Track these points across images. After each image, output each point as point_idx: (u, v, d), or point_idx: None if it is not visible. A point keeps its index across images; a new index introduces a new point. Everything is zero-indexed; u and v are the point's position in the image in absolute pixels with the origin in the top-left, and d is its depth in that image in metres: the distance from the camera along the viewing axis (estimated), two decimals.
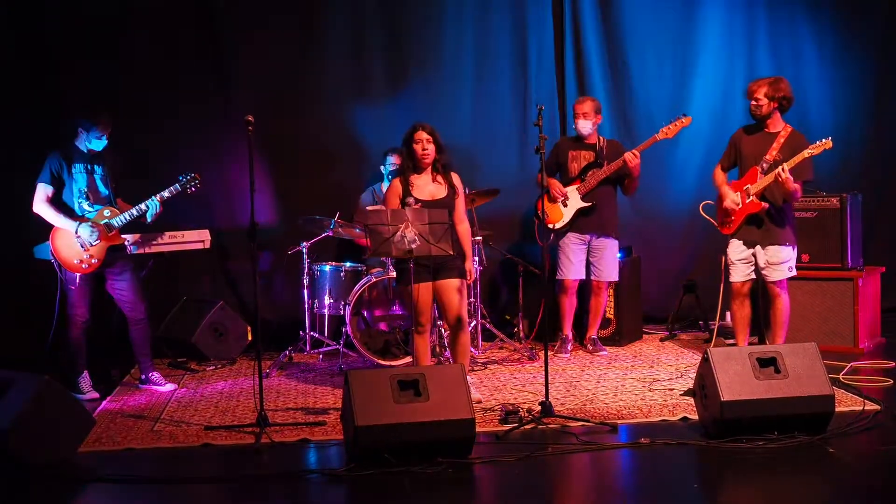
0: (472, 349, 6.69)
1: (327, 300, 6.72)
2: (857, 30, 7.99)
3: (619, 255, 6.99)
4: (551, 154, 6.89)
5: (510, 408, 5.11)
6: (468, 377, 4.84)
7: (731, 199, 6.02)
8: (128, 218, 5.82)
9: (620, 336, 7.17)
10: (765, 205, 5.92)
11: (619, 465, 4.53)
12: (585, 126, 6.74)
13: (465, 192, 5.76)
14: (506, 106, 7.75)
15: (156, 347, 6.27)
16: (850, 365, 6.06)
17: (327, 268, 6.76)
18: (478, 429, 4.52)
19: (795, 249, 6.08)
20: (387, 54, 7.59)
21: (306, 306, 6.79)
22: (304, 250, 6.74)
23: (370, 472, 4.25)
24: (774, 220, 5.96)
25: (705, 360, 4.69)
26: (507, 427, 4.90)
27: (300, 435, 4.92)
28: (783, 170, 5.71)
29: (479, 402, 5.43)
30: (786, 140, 5.89)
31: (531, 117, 7.39)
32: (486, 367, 6.52)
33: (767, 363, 4.66)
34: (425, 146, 5.41)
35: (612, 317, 7.18)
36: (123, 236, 5.92)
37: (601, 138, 6.83)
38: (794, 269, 6.08)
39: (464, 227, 5.53)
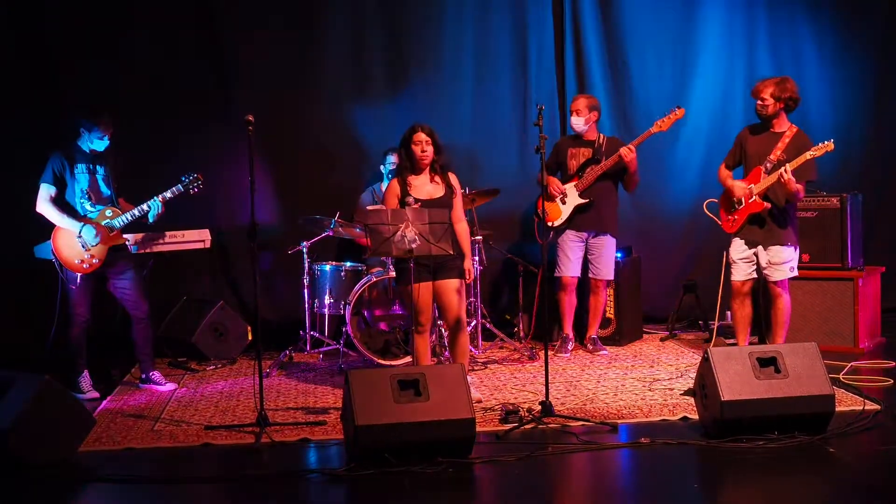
0: (473, 349, 6.69)
1: (327, 300, 6.72)
2: (857, 30, 7.99)
3: (618, 254, 6.99)
4: (552, 153, 6.90)
5: (510, 407, 5.11)
6: (468, 377, 4.84)
7: (741, 187, 5.99)
8: (129, 218, 5.83)
9: (621, 336, 7.17)
10: (767, 205, 5.91)
11: (619, 465, 4.53)
12: (578, 123, 6.74)
13: (462, 192, 5.76)
14: (506, 106, 7.75)
15: (156, 347, 6.27)
16: (850, 365, 6.06)
17: (327, 267, 6.76)
18: (478, 428, 4.52)
19: (797, 250, 6.08)
20: (387, 54, 7.59)
21: (306, 306, 6.79)
22: (305, 250, 6.74)
23: (370, 472, 4.25)
24: (777, 221, 5.96)
25: (705, 360, 4.69)
26: (507, 427, 4.90)
27: (300, 434, 4.92)
28: (785, 170, 5.71)
29: (479, 401, 5.43)
30: (791, 140, 5.87)
31: (531, 117, 7.39)
32: (486, 367, 6.52)
33: (767, 363, 4.66)
34: (424, 148, 5.41)
35: (612, 316, 7.18)
36: (125, 236, 5.93)
37: (601, 135, 6.82)
38: (796, 270, 6.08)
39: (462, 227, 5.53)
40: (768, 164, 5.89)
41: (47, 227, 5.79)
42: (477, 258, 6.66)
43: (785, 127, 5.96)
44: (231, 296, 7.45)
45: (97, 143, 5.78)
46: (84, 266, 5.77)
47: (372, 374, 4.60)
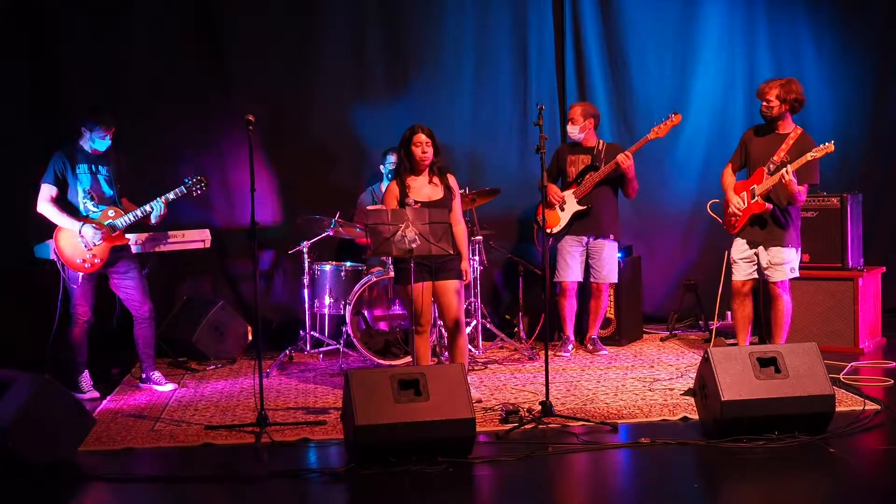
0: (473, 349, 6.69)
1: (328, 300, 6.72)
2: (856, 29, 7.99)
3: (619, 255, 6.99)
4: (552, 160, 6.91)
5: (510, 407, 5.11)
6: (468, 377, 4.84)
7: (735, 204, 6.01)
8: (132, 219, 5.82)
9: (621, 336, 7.17)
10: (768, 206, 5.90)
11: (620, 465, 4.53)
12: (573, 131, 6.76)
13: (462, 192, 5.76)
14: (506, 106, 7.75)
15: (156, 347, 6.26)
16: (850, 365, 6.06)
17: (328, 267, 6.76)
18: (478, 428, 4.52)
19: (799, 251, 6.07)
20: (387, 54, 7.59)
21: (306, 306, 6.79)
22: (305, 250, 6.74)
23: (370, 472, 4.25)
24: (778, 222, 5.94)
25: (706, 360, 4.69)
26: (507, 427, 4.90)
27: (300, 434, 4.92)
28: (787, 171, 5.70)
29: (480, 401, 5.43)
30: (795, 142, 5.86)
31: (531, 117, 7.39)
32: (486, 367, 6.52)
33: (768, 363, 4.66)
34: (425, 149, 5.41)
35: (612, 316, 7.18)
36: (127, 236, 5.93)
37: (600, 141, 6.83)
38: (797, 271, 6.07)
39: (460, 228, 5.52)
40: (771, 166, 5.88)
41: (48, 227, 5.79)
42: (477, 258, 6.66)
43: (789, 128, 5.94)
44: (231, 296, 7.45)
45: (99, 142, 5.78)
46: (86, 266, 5.77)
47: (372, 374, 4.61)
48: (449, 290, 5.39)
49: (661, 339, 7.35)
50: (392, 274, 5.76)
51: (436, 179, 5.48)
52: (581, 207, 6.74)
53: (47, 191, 5.75)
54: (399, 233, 5.02)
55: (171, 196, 5.83)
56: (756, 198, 5.92)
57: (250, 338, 7.07)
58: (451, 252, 5.19)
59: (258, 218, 5.11)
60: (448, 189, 5.49)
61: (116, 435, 5.03)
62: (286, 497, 4.20)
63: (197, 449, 4.81)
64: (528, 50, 7.73)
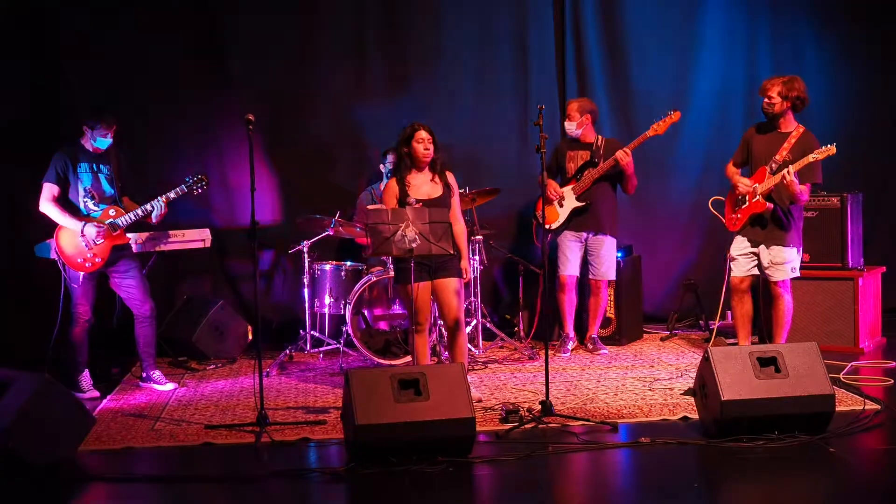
0: (473, 349, 6.70)
1: (328, 299, 6.72)
2: (857, 29, 7.98)
3: (619, 253, 6.99)
4: (551, 156, 6.91)
5: (510, 407, 5.11)
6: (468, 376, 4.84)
7: (745, 183, 5.97)
8: (132, 218, 5.83)
9: (621, 335, 7.16)
10: (769, 205, 5.88)
11: (620, 465, 4.53)
12: (570, 127, 6.76)
13: (462, 191, 5.76)
14: (506, 105, 7.75)
15: (157, 346, 6.27)
16: (850, 364, 6.06)
17: (328, 267, 6.76)
18: (478, 428, 4.52)
19: (800, 251, 6.06)
20: (387, 53, 7.59)
21: (307, 305, 6.79)
22: (305, 249, 6.74)
23: (371, 471, 4.25)
24: (779, 221, 5.93)
25: (706, 360, 4.69)
26: (507, 426, 4.90)
27: (300, 434, 4.92)
28: (788, 171, 5.69)
29: (480, 401, 5.43)
30: (797, 141, 5.83)
31: (532, 116, 7.38)
32: (486, 367, 6.52)
33: (768, 363, 4.66)
34: (427, 146, 5.41)
35: (612, 316, 7.18)
36: (128, 235, 5.93)
37: (599, 137, 6.82)
38: (798, 271, 6.07)
39: (459, 227, 5.52)
40: (773, 165, 5.86)
41: (48, 227, 5.80)
42: (477, 258, 6.66)
43: (792, 127, 5.92)
44: (231, 295, 7.45)
45: (100, 141, 5.79)
46: (87, 265, 5.77)
47: (372, 373, 4.61)
48: (448, 289, 5.39)
49: (662, 339, 7.34)
50: (392, 273, 5.77)
51: (436, 177, 5.48)
52: (580, 204, 6.74)
53: (49, 190, 5.75)
54: (399, 232, 5.02)
55: (171, 195, 5.84)
56: (757, 197, 5.91)
57: (250, 337, 7.07)
58: (451, 252, 5.20)
59: (258, 218, 5.11)
60: (447, 187, 5.49)
61: (116, 434, 5.03)
62: (286, 497, 4.20)
63: (197, 448, 4.81)
64: (528, 49, 7.72)
